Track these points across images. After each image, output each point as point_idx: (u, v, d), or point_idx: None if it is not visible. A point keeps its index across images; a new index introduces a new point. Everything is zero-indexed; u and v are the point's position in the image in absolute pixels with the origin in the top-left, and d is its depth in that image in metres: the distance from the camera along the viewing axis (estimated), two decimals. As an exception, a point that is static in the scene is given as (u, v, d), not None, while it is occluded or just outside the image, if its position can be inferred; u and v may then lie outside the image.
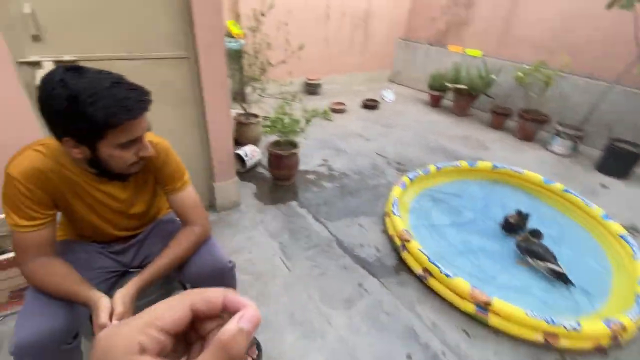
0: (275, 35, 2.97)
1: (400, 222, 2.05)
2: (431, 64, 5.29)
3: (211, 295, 0.27)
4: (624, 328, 1.47)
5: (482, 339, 1.56)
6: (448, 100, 4.87)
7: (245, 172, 2.77)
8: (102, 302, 0.84)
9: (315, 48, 4.90)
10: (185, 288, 1.34)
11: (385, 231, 2.21)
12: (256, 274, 1.81)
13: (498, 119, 4.18)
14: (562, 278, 1.80)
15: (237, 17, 3.97)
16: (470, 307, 1.62)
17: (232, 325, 0.24)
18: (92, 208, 1.01)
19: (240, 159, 2.74)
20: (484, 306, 1.58)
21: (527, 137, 3.89)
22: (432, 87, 4.77)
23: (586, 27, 3.74)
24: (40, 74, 1.37)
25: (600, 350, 1.52)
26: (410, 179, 2.55)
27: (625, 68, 3.19)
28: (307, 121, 2.43)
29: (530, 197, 2.65)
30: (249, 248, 1.99)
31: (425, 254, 1.80)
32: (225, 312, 0.27)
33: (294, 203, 2.44)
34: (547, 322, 1.47)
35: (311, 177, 2.82)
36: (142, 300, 1.08)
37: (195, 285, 1.11)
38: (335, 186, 2.71)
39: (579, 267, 1.91)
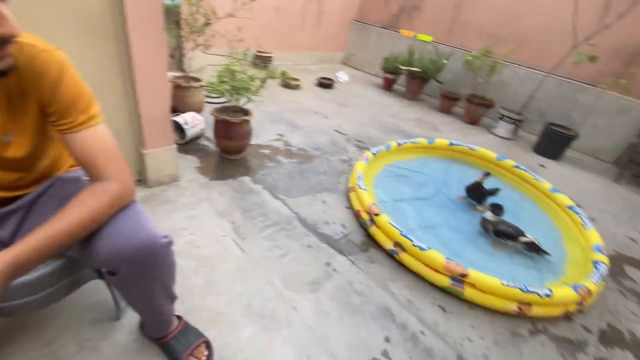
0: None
1: (368, 196, 1.86)
2: (384, 47, 5.25)
3: None
4: (589, 292, 1.48)
5: (458, 314, 1.46)
6: (400, 86, 4.88)
7: (185, 143, 2.34)
8: None
9: (265, 17, 4.48)
10: (102, 277, 0.96)
11: (350, 207, 2.02)
12: (201, 259, 1.47)
13: (447, 103, 4.29)
14: (537, 250, 1.79)
15: None
16: (444, 281, 1.50)
17: None
18: None
19: (178, 128, 2.30)
20: (460, 278, 1.47)
21: (473, 121, 4.06)
22: (385, 69, 4.72)
23: (531, 18, 3.98)
24: None
25: (567, 316, 1.53)
26: (374, 154, 2.40)
27: (560, 58, 3.45)
28: (263, 82, 2.09)
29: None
30: (190, 229, 1.63)
31: (396, 228, 1.64)
32: None
33: (246, 178, 2.11)
34: (522, 290, 1.41)
35: (266, 151, 2.50)
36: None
37: (115, 271, 0.75)
38: (293, 162, 2.43)
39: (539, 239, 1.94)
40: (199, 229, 1.63)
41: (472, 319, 1.45)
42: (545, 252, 1.79)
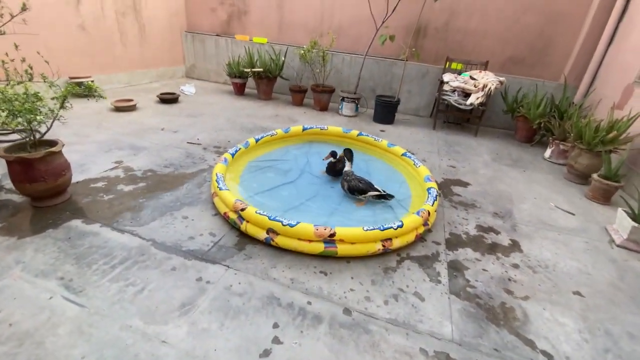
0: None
1: (230, 195, 1.77)
2: (224, 54, 5.20)
3: None
4: (429, 213, 1.80)
5: (338, 272, 1.53)
6: (251, 89, 4.93)
7: (-32, 205, 1.71)
8: None
9: (68, 37, 3.76)
10: None
11: (217, 214, 1.88)
12: (18, 338, 1.08)
13: (297, 97, 4.57)
14: (384, 197, 2.06)
15: None
16: (319, 247, 1.56)
17: None
18: None
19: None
20: (330, 239, 1.55)
21: (323, 107, 4.45)
22: (231, 74, 4.67)
23: (342, 12, 4.59)
24: None
25: (420, 238, 1.81)
26: (232, 155, 2.31)
27: (370, 42, 4.12)
28: (62, 100, 1.70)
29: (337, 147, 2.98)
30: (0, 309, 1.18)
31: (264, 215, 1.61)
32: None
33: (75, 222, 1.69)
34: (380, 229, 1.59)
35: (99, 184, 2.07)
36: None
37: None
38: (140, 186, 2.10)
39: (386, 187, 2.25)
40: (9, 303, 1.21)
41: (350, 271, 1.55)
42: (390, 196, 2.08)
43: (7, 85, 1.59)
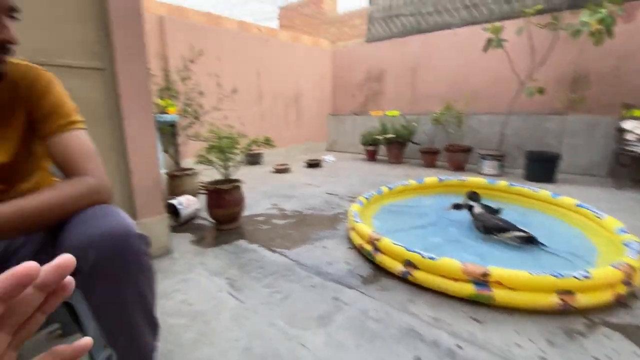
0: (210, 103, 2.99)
1: (366, 227, 1.80)
2: (359, 129, 5.85)
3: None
4: (632, 268, 1.31)
5: (495, 321, 1.24)
6: (382, 156, 5.24)
7: (180, 225, 2.35)
8: None
9: (252, 122, 5.12)
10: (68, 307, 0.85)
11: (352, 247, 1.92)
12: (192, 315, 1.31)
13: (429, 158, 4.52)
14: (531, 241, 1.72)
15: (164, 59, 3.93)
16: (468, 289, 1.33)
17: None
18: None
19: (174, 210, 2.36)
20: (483, 280, 1.31)
21: (458, 167, 4.21)
22: (364, 143, 5.14)
23: (478, 76, 4.62)
24: None
25: (619, 301, 1.30)
26: (367, 198, 2.42)
27: (512, 100, 3.86)
28: (249, 145, 2.27)
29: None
30: (183, 290, 1.50)
31: (402, 246, 1.54)
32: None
33: (241, 242, 2.06)
34: (555, 276, 1.24)
35: (260, 218, 2.50)
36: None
37: (82, 263, 0.69)
38: (290, 222, 2.41)
39: (553, 241, 1.80)
40: (191, 289, 1.51)
41: (512, 323, 1.22)
42: (542, 244, 1.70)
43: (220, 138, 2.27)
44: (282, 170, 4.32)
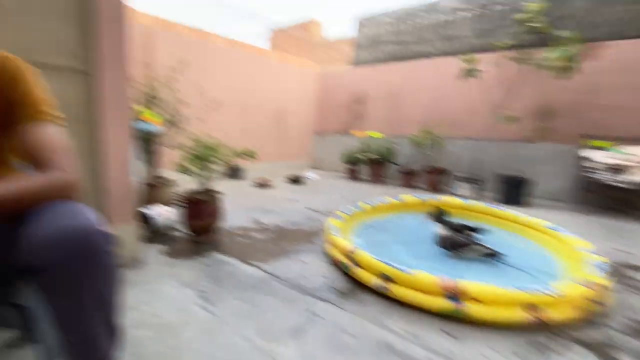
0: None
1: (343, 241, 1.80)
2: (342, 148, 5.94)
3: None
4: (599, 286, 1.36)
5: (469, 337, 1.24)
6: (363, 176, 5.32)
7: (153, 234, 2.26)
8: None
9: (236, 136, 5.11)
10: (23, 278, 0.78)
11: (331, 262, 1.89)
12: (160, 327, 1.24)
13: (407, 178, 4.65)
14: (492, 254, 1.83)
15: (150, 68, 3.82)
16: (444, 304, 1.33)
17: None
18: None
19: (145, 219, 2.26)
20: (458, 294, 1.32)
21: (434, 188, 4.33)
22: (346, 162, 5.23)
23: (453, 102, 4.86)
24: None
25: (587, 319, 1.34)
26: (348, 214, 2.43)
27: (484, 127, 4.07)
28: (231, 155, 2.25)
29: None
30: (150, 301, 1.42)
31: (380, 260, 1.54)
32: None
33: (217, 254, 1.99)
34: (526, 291, 1.28)
35: (238, 232, 2.44)
36: None
37: (43, 263, 0.64)
38: (269, 236, 2.37)
39: (525, 259, 1.86)
40: (160, 301, 1.43)
41: (486, 339, 1.23)
42: (501, 254, 1.82)
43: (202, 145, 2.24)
44: (264, 185, 4.29)
